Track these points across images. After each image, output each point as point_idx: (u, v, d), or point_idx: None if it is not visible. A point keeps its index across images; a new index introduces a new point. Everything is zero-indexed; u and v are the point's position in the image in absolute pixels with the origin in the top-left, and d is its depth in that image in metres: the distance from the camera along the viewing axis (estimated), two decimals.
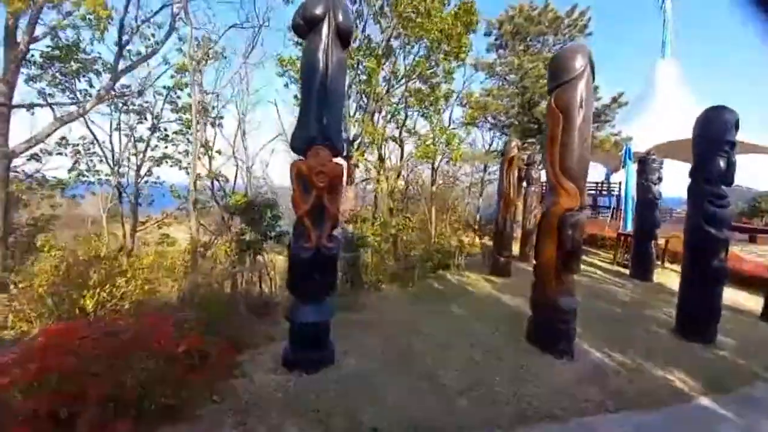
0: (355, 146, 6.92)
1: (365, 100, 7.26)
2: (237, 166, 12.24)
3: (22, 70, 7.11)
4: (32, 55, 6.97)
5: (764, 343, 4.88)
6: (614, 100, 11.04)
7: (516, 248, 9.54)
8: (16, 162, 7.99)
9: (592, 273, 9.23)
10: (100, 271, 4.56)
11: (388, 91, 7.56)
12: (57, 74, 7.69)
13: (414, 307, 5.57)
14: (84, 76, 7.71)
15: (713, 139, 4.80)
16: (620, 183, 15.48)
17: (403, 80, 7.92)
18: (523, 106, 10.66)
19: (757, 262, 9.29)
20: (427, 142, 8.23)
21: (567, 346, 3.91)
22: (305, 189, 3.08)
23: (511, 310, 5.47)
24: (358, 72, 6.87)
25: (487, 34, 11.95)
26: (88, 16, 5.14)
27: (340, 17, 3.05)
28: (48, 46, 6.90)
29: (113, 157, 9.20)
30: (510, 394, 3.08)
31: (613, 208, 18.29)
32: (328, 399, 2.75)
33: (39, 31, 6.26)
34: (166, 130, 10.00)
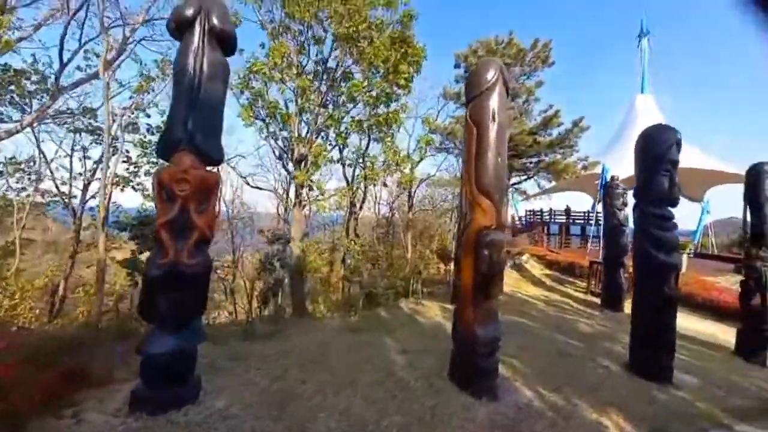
0: (302, 167, 6.71)
1: (315, 120, 7.16)
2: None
3: None
4: None
5: (732, 382, 4.34)
6: (575, 124, 11.08)
7: None
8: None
9: (563, 303, 8.71)
10: None
11: (332, 114, 7.46)
12: (14, 96, 7.70)
13: (344, 337, 5.06)
14: (39, 97, 7.71)
15: (655, 157, 4.57)
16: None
17: (350, 104, 7.87)
18: None
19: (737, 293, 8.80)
20: (375, 165, 8.04)
21: (487, 383, 3.41)
22: (168, 198, 2.78)
23: (449, 343, 4.96)
24: (297, 92, 6.81)
25: (457, 66, 12.32)
26: None
27: (215, 20, 2.90)
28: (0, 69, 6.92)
29: (71, 177, 9.02)
30: None
31: (597, 237, 18.04)
32: None
33: None
34: (128, 152, 9.89)
